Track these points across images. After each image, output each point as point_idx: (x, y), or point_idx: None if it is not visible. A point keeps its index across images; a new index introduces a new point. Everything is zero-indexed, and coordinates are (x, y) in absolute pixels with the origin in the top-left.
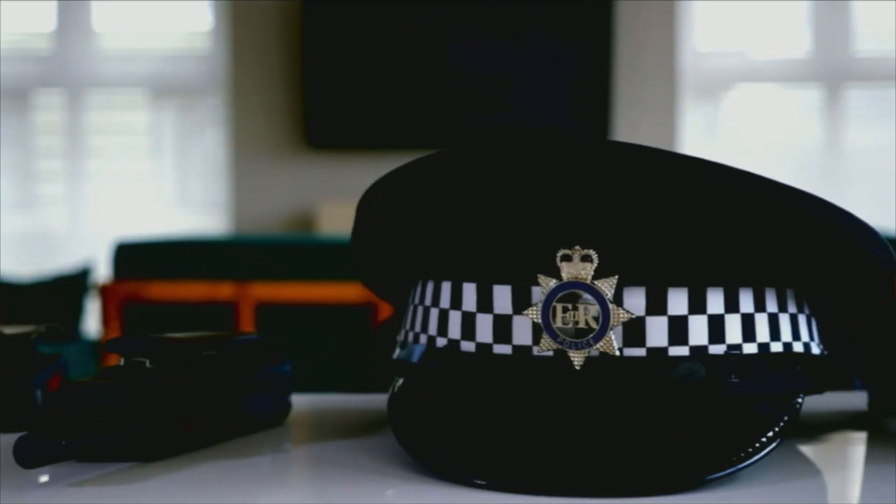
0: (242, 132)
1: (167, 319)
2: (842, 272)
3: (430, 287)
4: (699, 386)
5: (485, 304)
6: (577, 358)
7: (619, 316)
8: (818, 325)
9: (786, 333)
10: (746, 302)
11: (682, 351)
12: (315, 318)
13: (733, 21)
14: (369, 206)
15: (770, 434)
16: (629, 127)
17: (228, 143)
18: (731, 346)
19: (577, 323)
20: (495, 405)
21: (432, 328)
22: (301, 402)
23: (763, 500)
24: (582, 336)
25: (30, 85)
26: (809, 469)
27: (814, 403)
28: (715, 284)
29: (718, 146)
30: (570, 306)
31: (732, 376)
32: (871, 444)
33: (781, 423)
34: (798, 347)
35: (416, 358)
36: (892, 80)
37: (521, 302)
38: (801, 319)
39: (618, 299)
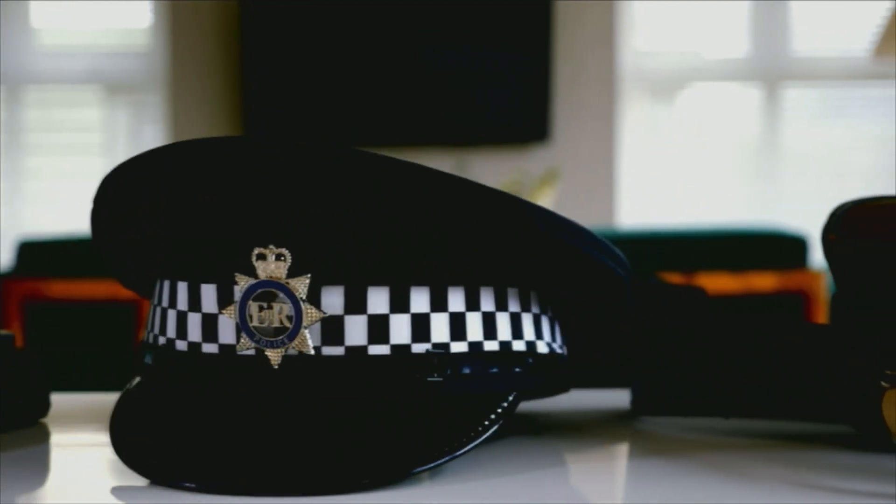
0: (182, 130)
1: (69, 318)
2: (564, 275)
3: (157, 286)
4: (400, 384)
5: (195, 302)
6: (274, 357)
7: (311, 315)
8: (565, 322)
9: (504, 332)
10: (457, 300)
11: (382, 350)
12: None
13: (673, 21)
14: (100, 203)
15: (473, 432)
16: (569, 127)
17: (167, 141)
18: (436, 345)
19: (272, 322)
20: (206, 405)
21: (156, 327)
22: (74, 400)
23: (468, 498)
24: (278, 335)
25: None
26: (554, 463)
27: (578, 401)
28: (420, 283)
29: (658, 145)
30: (265, 305)
31: (435, 374)
32: (632, 441)
33: (487, 421)
34: (519, 346)
35: (146, 357)
36: (830, 80)
37: (224, 300)
38: (526, 318)
39: (313, 298)
